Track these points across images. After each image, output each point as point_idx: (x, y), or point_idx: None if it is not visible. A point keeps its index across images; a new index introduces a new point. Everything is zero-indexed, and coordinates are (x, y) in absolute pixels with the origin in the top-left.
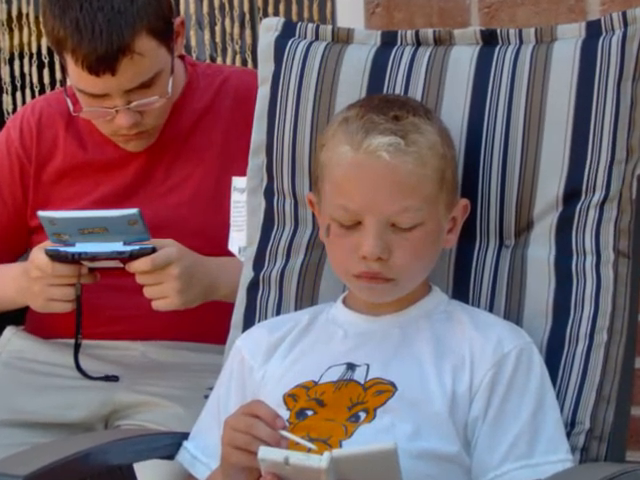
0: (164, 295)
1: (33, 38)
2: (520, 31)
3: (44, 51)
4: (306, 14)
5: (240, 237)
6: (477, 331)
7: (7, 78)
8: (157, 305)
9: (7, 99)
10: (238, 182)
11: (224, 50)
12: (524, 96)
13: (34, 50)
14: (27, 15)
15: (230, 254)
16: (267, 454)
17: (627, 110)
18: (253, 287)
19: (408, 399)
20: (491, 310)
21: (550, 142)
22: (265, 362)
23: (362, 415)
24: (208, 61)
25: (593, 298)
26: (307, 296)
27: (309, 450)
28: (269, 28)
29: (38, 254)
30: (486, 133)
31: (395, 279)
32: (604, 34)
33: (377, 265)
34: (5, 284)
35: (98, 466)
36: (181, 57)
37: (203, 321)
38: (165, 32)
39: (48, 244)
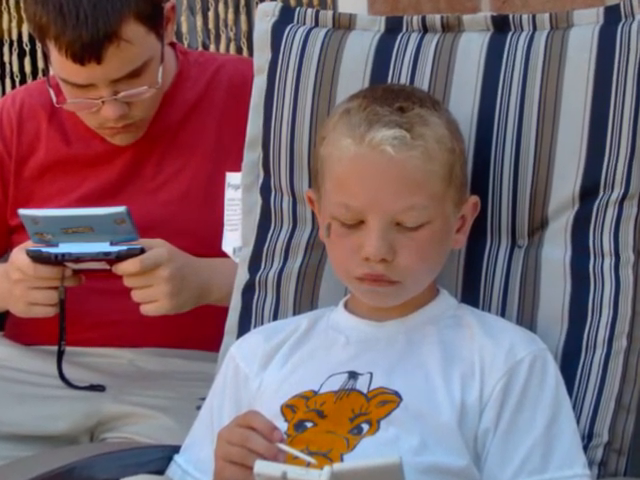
0: (153, 299)
1: (13, 24)
2: (534, 17)
3: (25, 38)
4: None
5: (235, 237)
6: (488, 337)
7: None
8: (146, 309)
9: None
10: (232, 178)
11: (217, 37)
12: (538, 86)
13: (15, 37)
14: (7, 0)
15: (224, 255)
16: (263, 468)
17: None
18: (248, 290)
19: (414, 410)
20: (503, 315)
21: (566, 135)
22: (261, 370)
23: (365, 427)
24: (200, 49)
25: (612, 302)
26: (306, 300)
27: (308, 464)
28: (266, 13)
29: (19, 255)
30: (497, 126)
31: (400, 281)
32: (623, 20)
33: (381, 267)
34: None
35: None
36: (171, 45)
37: (195, 327)
38: (154, 18)
39: (30, 244)
